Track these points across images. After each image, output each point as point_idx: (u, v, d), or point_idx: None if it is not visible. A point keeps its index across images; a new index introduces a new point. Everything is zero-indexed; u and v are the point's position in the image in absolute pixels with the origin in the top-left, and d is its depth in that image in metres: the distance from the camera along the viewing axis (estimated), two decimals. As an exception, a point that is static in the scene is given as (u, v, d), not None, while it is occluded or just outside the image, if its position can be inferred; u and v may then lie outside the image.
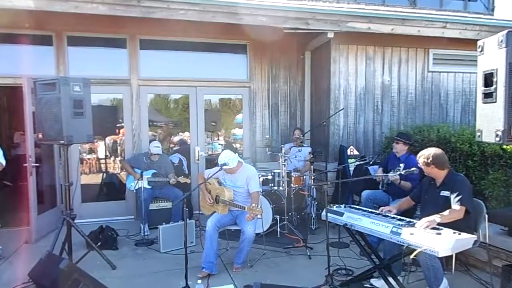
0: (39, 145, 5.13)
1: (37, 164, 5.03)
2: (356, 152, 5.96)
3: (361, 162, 5.54)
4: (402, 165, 4.48)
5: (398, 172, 3.65)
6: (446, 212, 3.14)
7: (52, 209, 5.58)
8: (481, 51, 2.42)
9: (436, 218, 2.99)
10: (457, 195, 3.23)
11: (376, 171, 5.02)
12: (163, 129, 7.40)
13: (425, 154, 3.45)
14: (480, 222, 3.45)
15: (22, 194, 5.02)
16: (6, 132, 8.64)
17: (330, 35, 5.79)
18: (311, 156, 5.49)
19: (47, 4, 4.64)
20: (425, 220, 2.95)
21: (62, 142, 3.84)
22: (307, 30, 5.66)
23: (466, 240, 2.72)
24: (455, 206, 3.20)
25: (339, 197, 5.06)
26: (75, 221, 4.13)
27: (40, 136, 4.04)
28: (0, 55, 5.60)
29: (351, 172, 5.61)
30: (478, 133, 2.45)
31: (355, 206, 3.75)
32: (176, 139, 7.40)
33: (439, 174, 3.45)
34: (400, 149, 4.65)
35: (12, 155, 7.43)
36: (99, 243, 4.50)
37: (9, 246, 4.62)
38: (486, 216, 3.46)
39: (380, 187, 4.70)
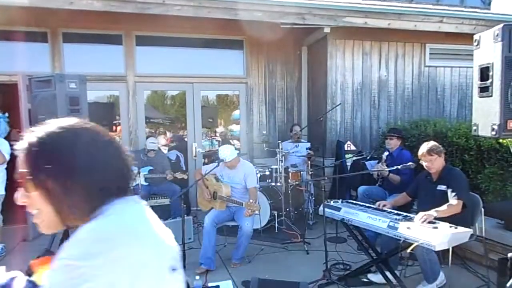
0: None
1: (34, 162, 5.00)
2: (353, 148, 5.97)
3: (358, 157, 5.55)
4: (385, 153, 4.53)
5: (395, 167, 3.64)
6: (444, 207, 3.15)
7: (49, 206, 5.56)
8: (477, 45, 2.42)
9: (433, 212, 3.00)
10: (454, 190, 3.25)
11: (374, 167, 5.03)
12: (173, 127, 7.35)
13: (434, 144, 3.46)
14: (477, 216, 3.47)
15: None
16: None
17: (327, 30, 5.78)
18: (310, 152, 5.50)
19: (41, 0, 4.61)
20: (422, 214, 2.96)
21: (58, 139, 3.81)
22: (303, 25, 5.65)
23: (462, 234, 2.73)
24: (453, 200, 3.22)
25: (337, 192, 5.07)
26: (73, 218, 4.11)
27: (36, 133, 4.01)
28: (-5, 52, 5.58)
29: (349, 167, 5.62)
30: (474, 127, 2.46)
31: (352, 201, 3.76)
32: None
33: (441, 165, 3.46)
34: (394, 144, 4.68)
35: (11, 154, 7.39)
36: (97, 240, 4.49)
37: (7, 243, 4.61)
38: (483, 210, 3.48)
39: (379, 182, 4.72)
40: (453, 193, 3.24)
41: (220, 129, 7.40)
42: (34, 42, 5.76)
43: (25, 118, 4.84)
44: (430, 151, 3.43)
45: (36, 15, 5.14)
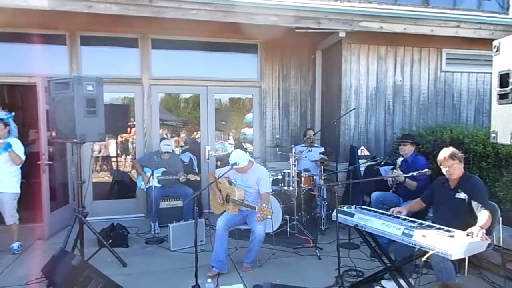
0: (52, 143, 5.20)
1: (50, 162, 5.10)
2: (367, 153, 5.92)
3: (372, 163, 5.50)
4: (400, 159, 4.48)
5: (411, 173, 3.59)
6: (483, 221, 3.03)
7: (64, 206, 5.66)
8: (496, 51, 2.38)
9: (484, 226, 2.90)
10: (479, 201, 3.16)
11: (388, 173, 4.98)
12: (186, 129, 7.39)
13: (456, 150, 3.38)
14: (494, 225, 3.39)
15: (36, 191, 5.10)
16: (20, 129, 8.81)
17: (342, 34, 5.76)
18: (323, 157, 5.47)
19: (61, 4, 4.70)
20: (478, 230, 2.79)
21: (75, 140, 3.88)
22: (318, 29, 5.64)
23: (479, 243, 2.68)
24: (484, 212, 3.10)
25: (350, 198, 5.03)
26: (87, 218, 4.18)
27: (54, 134, 4.10)
28: (15, 54, 5.71)
29: (362, 172, 5.57)
30: (493, 135, 2.41)
31: (366, 207, 3.72)
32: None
33: (460, 173, 3.39)
34: (408, 150, 4.62)
35: (26, 152, 7.54)
36: (110, 241, 4.54)
37: (23, 242, 4.69)
38: (500, 219, 3.41)
39: (393, 189, 4.67)
40: (479, 205, 3.15)
41: (233, 132, 7.43)
42: (53, 44, 5.87)
43: (43, 119, 4.94)
44: (452, 156, 3.34)
45: (55, 18, 5.25)
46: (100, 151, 7.45)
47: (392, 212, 3.47)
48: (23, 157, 4.57)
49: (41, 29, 5.67)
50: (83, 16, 4.99)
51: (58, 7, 4.71)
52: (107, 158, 7.59)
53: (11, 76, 5.72)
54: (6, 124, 4.51)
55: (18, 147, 4.54)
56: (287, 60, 6.80)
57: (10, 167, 4.50)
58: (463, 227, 2.92)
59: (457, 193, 3.35)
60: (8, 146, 4.44)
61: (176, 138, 7.50)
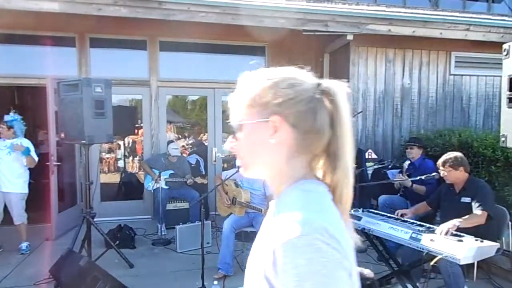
0: (60, 144, 5.25)
1: (58, 163, 5.14)
2: (374, 156, 5.88)
3: (380, 166, 5.46)
4: (407, 162, 4.46)
5: (419, 177, 3.57)
6: (467, 217, 3.06)
7: (72, 207, 5.70)
8: (506, 55, 2.36)
9: (456, 222, 2.92)
10: (479, 201, 3.16)
11: (395, 176, 4.95)
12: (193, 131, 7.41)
13: (452, 157, 3.38)
14: (504, 230, 3.36)
15: (44, 191, 5.14)
16: (30, 130, 8.93)
17: (350, 37, 5.73)
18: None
19: (71, 6, 4.75)
20: (445, 226, 2.88)
21: (83, 141, 3.91)
22: (326, 32, 5.62)
23: (488, 247, 2.65)
24: (477, 211, 3.13)
25: (357, 201, 5.00)
26: (95, 219, 4.20)
27: (62, 135, 4.14)
28: (25, 56, 5.77)
29: (369, 176, 5.54)
30: (503, 139, 2.39)
31: (373, 210, 3.70)
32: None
33: (463, 178, 3.37)
34: (415, 153, 4.61)
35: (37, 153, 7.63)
36: (117, 242, 4.57)
37: (31, 242, 4.73)
38: (510, 223, 3.37)
39: (400, 192, 4.64)
40: (477, 204, 3.15)
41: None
42: (62, 46, 5.93)
43: (52, 120, 4.99)
44: (443, 163, 3.43)
45: (65, 20, 5.30)
46: (108, 152, 7.50)
47: (397, 214, 3.46)
48: (37, 158, 4.63)
49: (51, 31, 5.73)
50: (92, 18, 5.03)
51: (69, 10, 4.76)
52: (114, 159, 7.63)
53: (21, 77, 5.79)
54: (10, 127, 4.55)
55: (32, 149, 4.61)
56: (295, 63, 6.57)
57: (18, 168, 4.55)
58: (472, 232, 2.90)
59: (463, 197, 3.34)
60: (27, 151, 4.51)
61: (182, 140, 7.52)
